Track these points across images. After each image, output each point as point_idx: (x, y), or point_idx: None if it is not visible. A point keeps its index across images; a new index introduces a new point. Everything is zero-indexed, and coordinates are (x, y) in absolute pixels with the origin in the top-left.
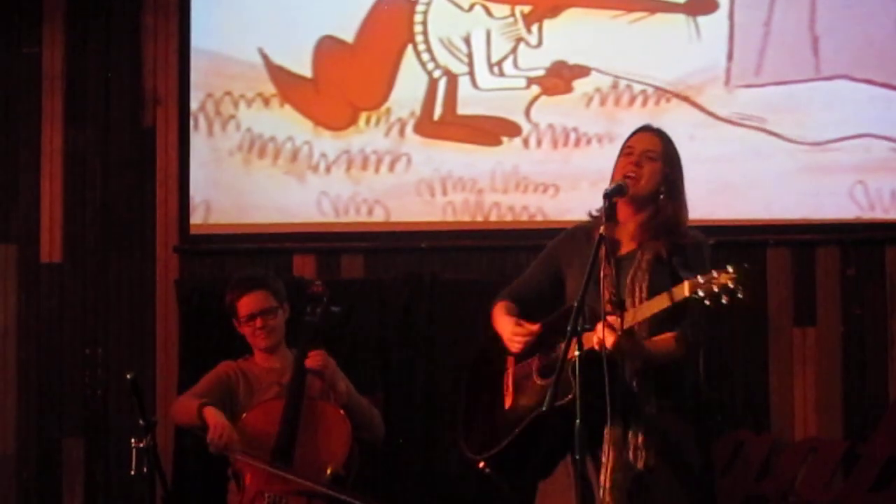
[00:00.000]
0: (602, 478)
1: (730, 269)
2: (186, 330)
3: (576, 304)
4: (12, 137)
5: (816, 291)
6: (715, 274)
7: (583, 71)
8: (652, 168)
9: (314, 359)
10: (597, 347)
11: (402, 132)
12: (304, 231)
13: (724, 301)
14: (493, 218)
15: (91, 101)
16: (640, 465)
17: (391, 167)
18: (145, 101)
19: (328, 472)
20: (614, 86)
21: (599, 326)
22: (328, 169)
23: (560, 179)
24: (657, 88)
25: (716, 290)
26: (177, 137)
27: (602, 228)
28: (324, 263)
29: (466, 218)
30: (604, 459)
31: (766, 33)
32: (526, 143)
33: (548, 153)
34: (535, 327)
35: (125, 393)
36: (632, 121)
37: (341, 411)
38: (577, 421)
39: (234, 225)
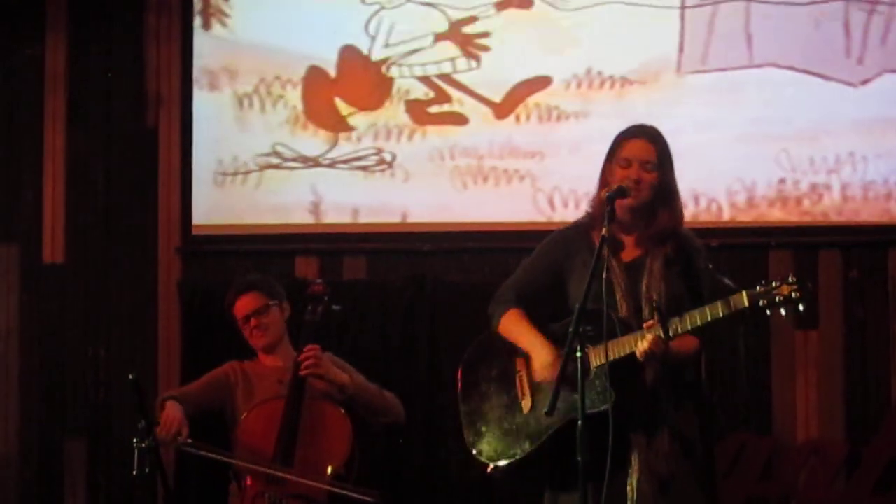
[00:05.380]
0: (628, 488)
1: (791, 280)
2: (188, 331)
3: (576, 308)
4: (15, 138)
5: (819, 294)
6: (774, 284)
7: None
8: (650, 179)
9: (306, 361)
10: (640, 357)
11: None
12: (307, 233)
13: (782, 312)
14: (490, 181)
15: (93, 102)
16: (667, 471)
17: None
18: (148, 102)
19: (329, 472)
20: (587, 73)
21: (648, 335)
22: (332, 168)
23: (544, 147)
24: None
25: (778, 300)
26: (179, 138)
27: (604, 231)
28: (326, 265)
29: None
30: (631, 468)
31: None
32: (518, 118)
33: (535, 126)
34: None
35: (127, 394)
36: (602, 100)
37: (342, 410)
38: (579, 422)
39: (237, 226)
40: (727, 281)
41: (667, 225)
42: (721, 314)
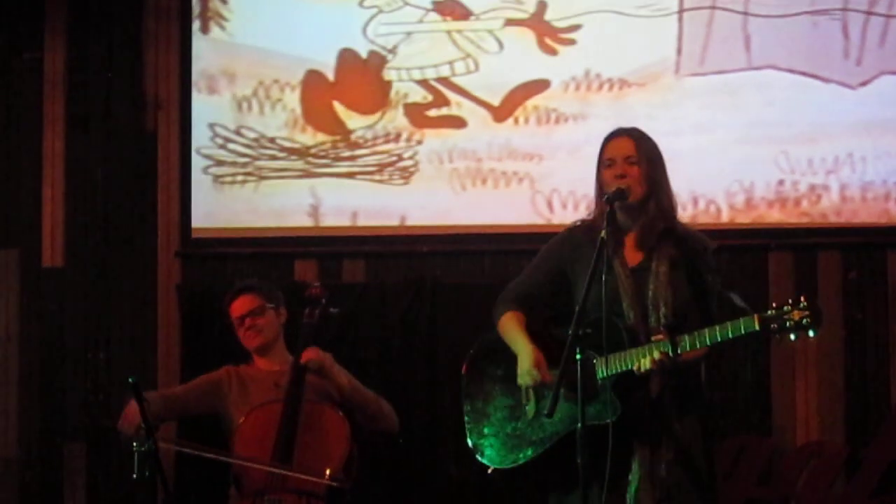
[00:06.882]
0: (627, 496)
1: (802, 304)
2: (188, 334)
3: (577, 308)
4: (14, 142)
5: (818, 296)
6: (786, 308)
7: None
8: (636, 173)
9: (308, 356)
10: (644, 370)
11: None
12: (306, 235)
13: (792, 337)
14: (489, 183)
15: (93, 106)
16: (668, 480)
17: (408, 140)
18: (147, 106)
19: (327, 474)
20: (586, 75)
21: (655, 351)
22: (330, 172)
23: (543, 150)
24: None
25: (789, 325)
26: (178, 141)
27: (603, 233)
28: (325, 268)
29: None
30: (633, 474)
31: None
32: (516, 121)
33: (533, 129)
34: (547, 377)
35: (127, 397)
36: (601, 102)
37: (340, 413)
38: (579, 426)
39: (236, 229)
40: (733, 296)
41: (654, 216)
42: (731, 335)
